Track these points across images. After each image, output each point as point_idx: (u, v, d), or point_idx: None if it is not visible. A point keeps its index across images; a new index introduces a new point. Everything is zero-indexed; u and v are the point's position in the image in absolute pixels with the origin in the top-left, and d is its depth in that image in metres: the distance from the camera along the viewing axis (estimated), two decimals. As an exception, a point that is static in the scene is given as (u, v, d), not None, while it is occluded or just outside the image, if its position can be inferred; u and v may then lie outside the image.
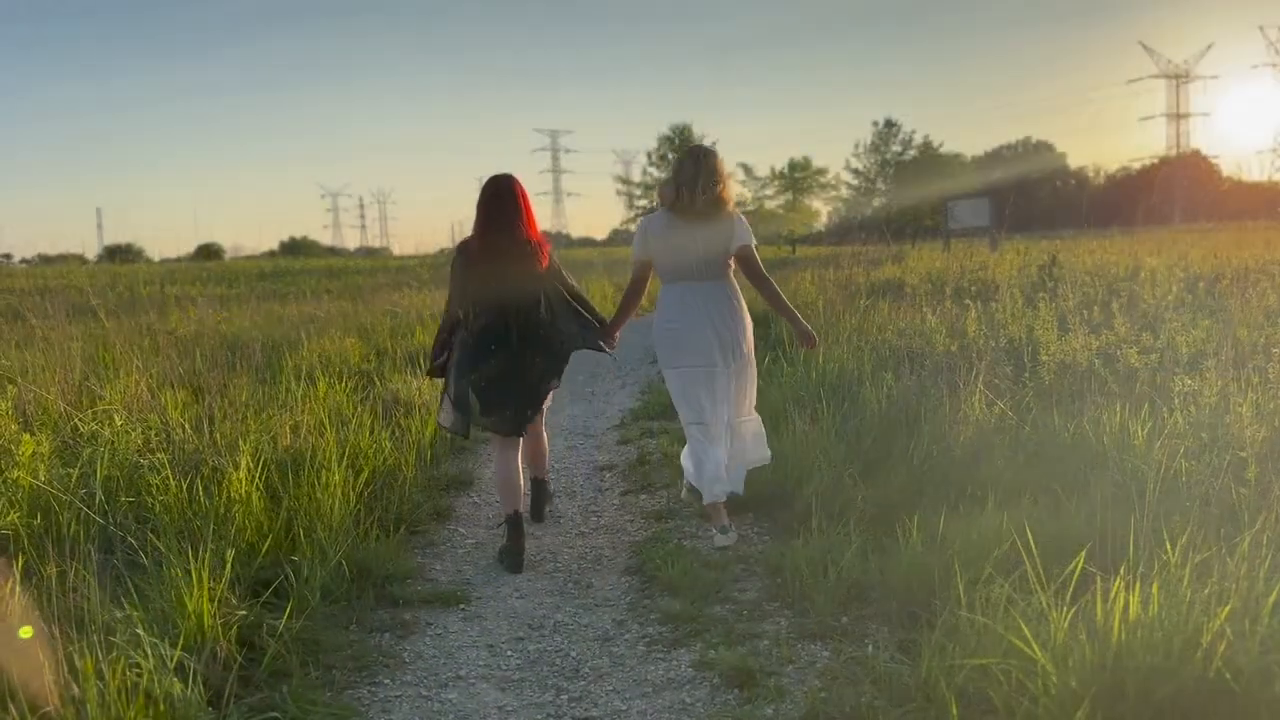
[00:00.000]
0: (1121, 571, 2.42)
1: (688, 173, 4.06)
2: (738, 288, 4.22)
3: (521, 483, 4.13)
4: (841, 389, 5.40)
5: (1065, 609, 2.36)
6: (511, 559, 3.95)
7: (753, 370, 4.33)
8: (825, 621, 3.07)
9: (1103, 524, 3.01)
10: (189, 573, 2.77)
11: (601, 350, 4.34)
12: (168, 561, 2.90)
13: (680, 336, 4.14)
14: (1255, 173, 73.85)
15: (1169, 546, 2.58)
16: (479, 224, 4.11)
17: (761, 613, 3.25)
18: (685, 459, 4.36)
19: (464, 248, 4.16)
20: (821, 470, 4.14)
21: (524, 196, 4.13)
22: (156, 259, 73.63)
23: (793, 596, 3.29)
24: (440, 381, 4.30)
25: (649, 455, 5.57)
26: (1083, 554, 2.58)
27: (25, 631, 2.29)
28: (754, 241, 4.19)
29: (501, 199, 4.09)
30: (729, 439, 4.20)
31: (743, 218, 4.16)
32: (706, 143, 13.35)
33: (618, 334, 4.38)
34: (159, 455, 4.05)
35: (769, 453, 4.37)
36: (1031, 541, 2.64)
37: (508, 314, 4.02)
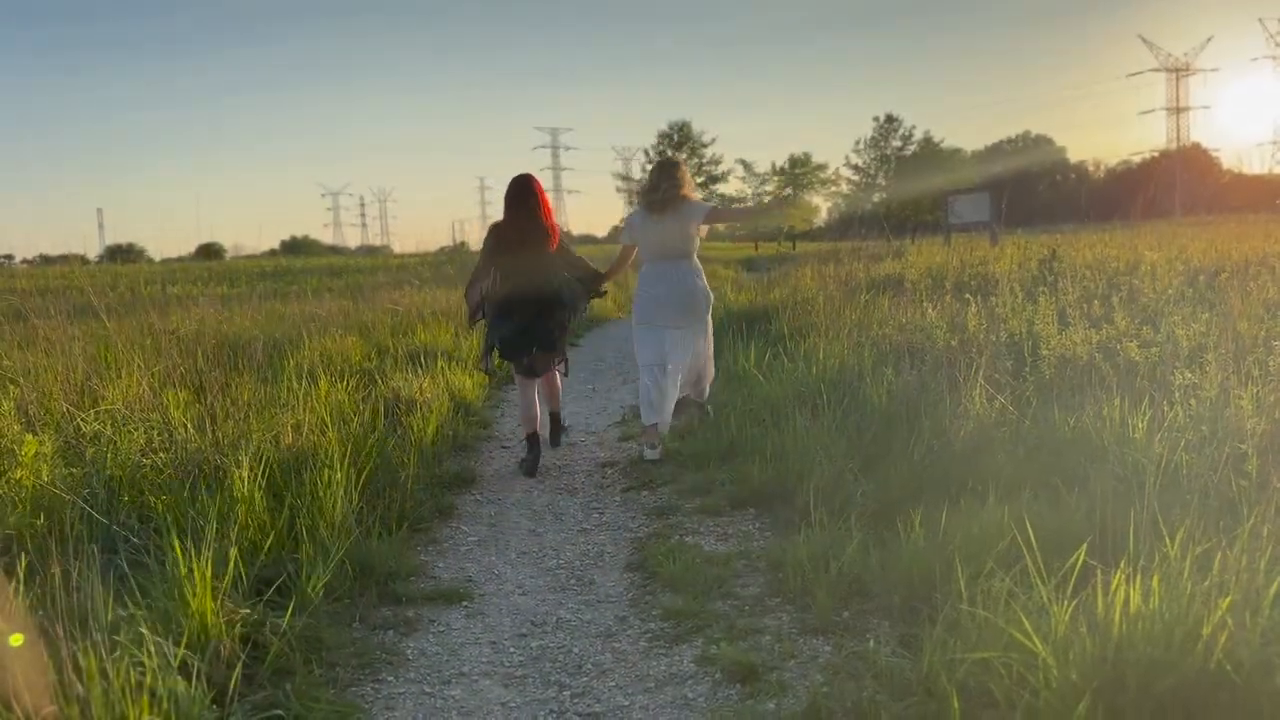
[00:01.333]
0: (1122, 565, 2.42)
1: (655, 180, 5.38)
2: (700, 266, 5.46)
3: (538, 413, 5.47)
4: (842, 385, 5.40)
5: (1066, 602, 2.36)
6: (528, 467, 5.31)
7: (710, 330, 5.57)
8: (827, 617, 3.08)
9: (1103, 518, 3.01)
10: (192, 572, 2.78)
11: (599, 294, 5.69)
12: (171, 560, 2.90)
13: (656, 301, 5.36)
14: (1256, 165, 73.73)
15: (1169, 539, 2.59)
16: (507, 213, 5.35)
17: (763, 608, 3.26)
18: (641, 400, 5.46)
19: (495, 230, 5.39)
20: (822, 466, 4.15)
21: (540, 190, 5.36)
22: (158, 259, 73.30)
23: (794, 592, 3.30)
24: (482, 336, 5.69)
25: (650, 452, 5.56)
26: (1083, 547, 2.58)
27: (15, 639, 2.26)
28: (710, 204, 5.94)
29: (523, 193, 5.31)
30: (680, 382, 5.38)
31: (695, 199, 5.45)
32: (706, 139, 14.40)
33: (609, 282, 5.76)
34: (161, 455, 4.06)
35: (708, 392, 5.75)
36: (1032, 535, 2.64)
37: (527, 282, 5.20)
